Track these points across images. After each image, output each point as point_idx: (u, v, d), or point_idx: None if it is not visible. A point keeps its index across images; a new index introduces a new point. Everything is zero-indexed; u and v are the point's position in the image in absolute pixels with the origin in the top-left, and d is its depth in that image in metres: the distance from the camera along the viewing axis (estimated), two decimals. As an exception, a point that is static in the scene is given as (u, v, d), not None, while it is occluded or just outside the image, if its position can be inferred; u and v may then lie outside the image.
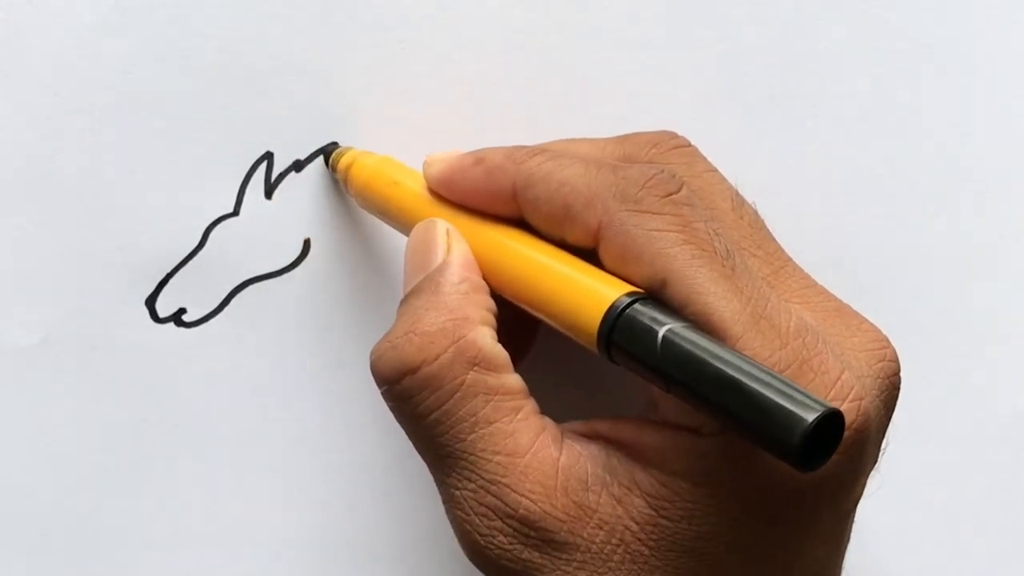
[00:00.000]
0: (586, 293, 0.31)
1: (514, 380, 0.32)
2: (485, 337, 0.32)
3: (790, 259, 0.34)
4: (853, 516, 0.33)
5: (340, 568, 0.40)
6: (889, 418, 0.32)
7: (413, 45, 0.38)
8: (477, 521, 0.32)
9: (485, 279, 0.33)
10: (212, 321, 0.38)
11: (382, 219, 0.38)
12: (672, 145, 0.35)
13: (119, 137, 0.37)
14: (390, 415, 0.40)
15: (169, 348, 0.38)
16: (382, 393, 0.33)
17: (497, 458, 0.31)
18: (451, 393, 0.32)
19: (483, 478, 0.31)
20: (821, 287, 0.34)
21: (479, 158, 0.34)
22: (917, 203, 0.43)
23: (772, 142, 0.41)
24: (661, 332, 0.29)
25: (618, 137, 0.36)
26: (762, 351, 0.30)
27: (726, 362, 0.28)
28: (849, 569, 0.34)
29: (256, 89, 0.37)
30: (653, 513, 0.31)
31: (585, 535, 0.31)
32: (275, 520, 0.40)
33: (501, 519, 0.31)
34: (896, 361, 0.32)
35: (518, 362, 0.33)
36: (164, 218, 0.37)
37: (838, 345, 0.31)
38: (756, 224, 0.34)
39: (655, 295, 0.31)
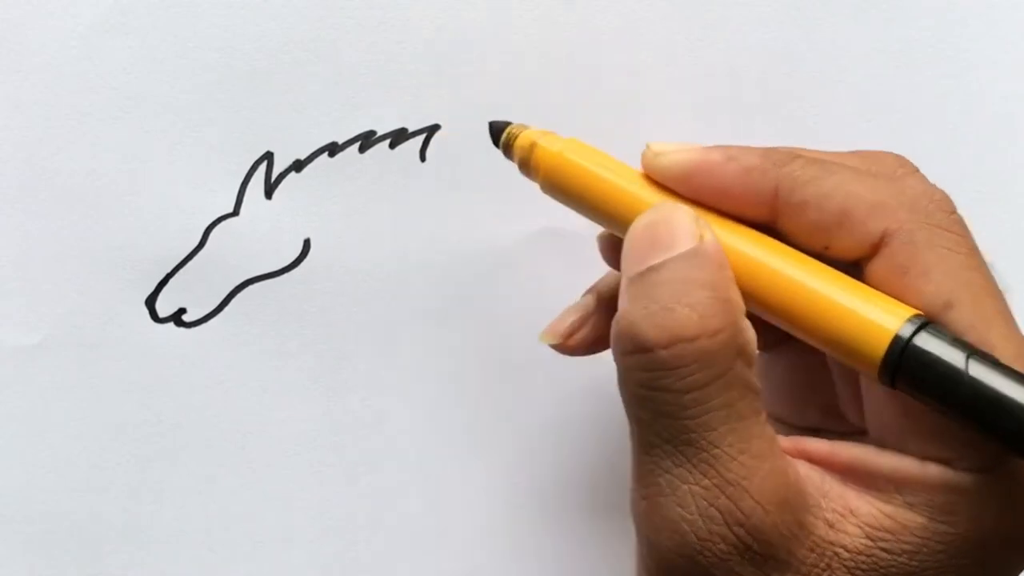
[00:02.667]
0: (867, 317, 0.29)
1: (758, 383, 0.30)
2: (752, 330, 0.30)
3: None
4: None
5: (341, 567, 0.40)
6: None
7: (413, 45, 0.38)
8: (700, 523, 0.29)
9: None
10: (212, 321, 0.38)
11: (576, 207, 0.34)
12: (912, 168, 0.33)
13: (119, 137, 0.37)
14: (389, 415, 0.40)
15: (169, 348, 0.38)
16: (631, 359, 0.30)
17: (742, 458, 0.29)
18: (718, 375, 0.29)
19: (723, 476, 0.29)
20: None
21: (730, 155, 0.32)
22: (917, 203, 0.43)
23: (772, 142, 0.41)
24: (965, 363, 0.28)
25: (857, 153, 0.34)
26: None
27: None
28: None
29: (256, 89, 0.37)
30: (869, 543, 0.29)
31: (799, 555, 0.29)
32: (275, 520, 0.40)
33: (729, 525, 0.29)
34: None
35: None
36: (164, 218, 0.37)
37: None
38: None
39: (934, 318, 0.29)
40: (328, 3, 0.38)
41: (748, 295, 0.31)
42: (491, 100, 0.39)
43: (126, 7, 0.36)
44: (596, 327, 0.35)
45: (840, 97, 0.42)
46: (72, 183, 0.37)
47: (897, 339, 0.29)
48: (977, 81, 0.43)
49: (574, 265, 0.39)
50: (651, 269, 0.30)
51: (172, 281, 0.38)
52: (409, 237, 0.39)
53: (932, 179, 0.42)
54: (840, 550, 0.29)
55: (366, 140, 0.38)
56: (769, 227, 0.32)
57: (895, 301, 0.30)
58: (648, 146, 0.33)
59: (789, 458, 0.30)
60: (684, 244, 0.30)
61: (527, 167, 0.35)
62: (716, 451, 0.29)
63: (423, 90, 0.39)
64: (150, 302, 0.38)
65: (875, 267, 0.30)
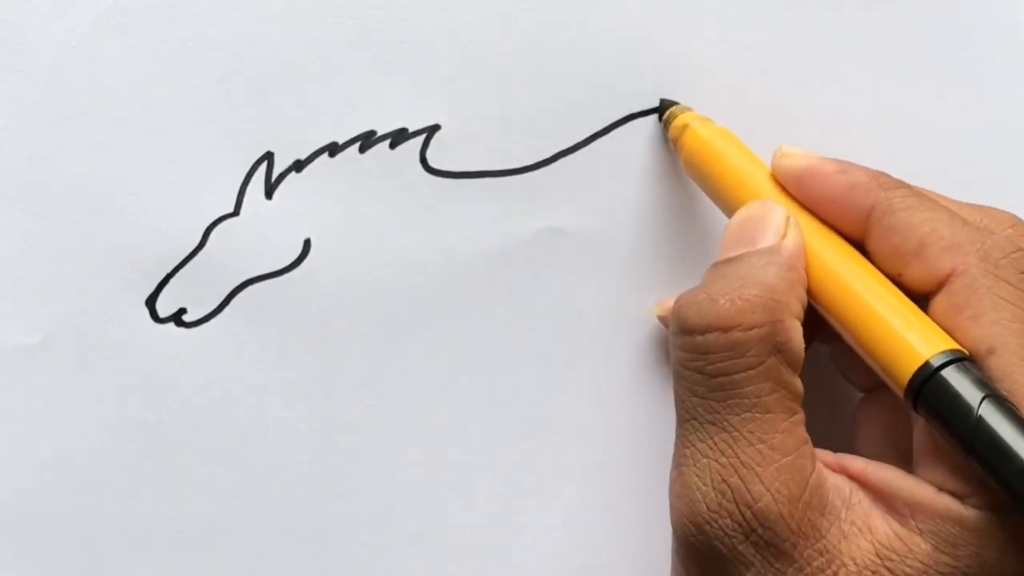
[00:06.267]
0: (908, 340, 0.31)
1: (800, 385, 0.33)
2: (797, 331, 0.32)
3: None
4: None
5: (341, 567, 0.40)
6: None
7: (414, 45, 0.38)
8: (712, 495, 0.32)
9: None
10: (212, 321, 0.38)
11: (706, 190, 0.38)
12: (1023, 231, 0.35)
13: (119, 137, 0.37)
14: (387, 416, 0.40)
15: (169, 348, 0.38)
16: (677, 339, 0.33)
17: (760, 446, 0.31)
18: (748, 367, 0.32)
19: (739, 458, 0.31)
20: None
21: (843, 168, 0.34)
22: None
23: (771, 142, 0.41)
24: (978, 403, 0.30)
25: (973, 205, 0.36)
26: None
27: None
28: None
29: (256, 89, 0.37)
30: (877, 560, 0.31)
31: (804, 555, 0.31)
32: (275, 520, 0.40)
33: (737, 504, 0.31)
34: None
35: None
36: (164, 218, 0.37)
37: None
38: None
39: (976, 359, 0.31)
40: (328, 3, 0.38)
41: (816, 296, 0.33)
42: (491, 100, 0.39)
43: (126, 7, 0.36)
44: None
45: (840, 97, 0.42)
46: (72, 183, 0.37)
47: (926, 366, 0.30)
48: (977, 81, 0.43)
49: (574, 265, 0.39)
50: (727, 261, 0.34)
51: (172, 281, 0.38)
52: (409, 237, 0.39)
53: (932, 178, 0.42)
54: (849, 561, 0.31)
55: (366, 140, 0.38)
56: (860, 244, 0.34)
57: (942, 334, 0.31)
58: (779, 146, 0.36)
59: (820, 465, 0.32)
60: (767, 240, 0.33)
61: (676, 145, 0.38)
62: (736, 433, 0.32)
63: (423, 90, 0.39)
64: (150, 302, 0.38)
65: (938, 302, 0.32)
